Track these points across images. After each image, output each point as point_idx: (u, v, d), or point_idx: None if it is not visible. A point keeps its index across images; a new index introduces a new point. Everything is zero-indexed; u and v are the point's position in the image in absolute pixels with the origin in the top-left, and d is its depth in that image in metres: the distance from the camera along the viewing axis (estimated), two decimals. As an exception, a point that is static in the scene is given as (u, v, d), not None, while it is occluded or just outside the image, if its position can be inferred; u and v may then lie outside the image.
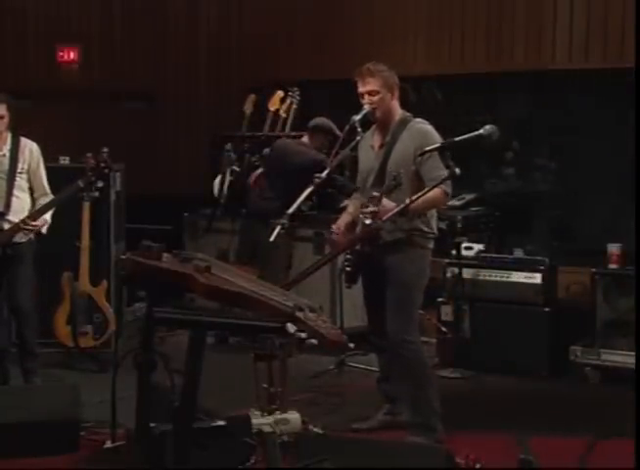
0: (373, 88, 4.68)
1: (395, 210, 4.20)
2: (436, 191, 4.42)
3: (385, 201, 4.43)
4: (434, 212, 4.80)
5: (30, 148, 5.60)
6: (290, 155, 6.80)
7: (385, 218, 4.21)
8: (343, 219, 4.88)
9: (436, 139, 4.52)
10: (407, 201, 4.27)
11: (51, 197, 5.59)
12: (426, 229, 4.71)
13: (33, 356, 5.64)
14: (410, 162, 4.56)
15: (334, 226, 4.86)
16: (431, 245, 4.78)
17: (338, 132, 6.87)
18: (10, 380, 5.65)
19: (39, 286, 5.76)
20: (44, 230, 5.52)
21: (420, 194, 4.19)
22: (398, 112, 4.79)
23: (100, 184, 5.93)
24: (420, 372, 4.71)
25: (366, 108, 4.71)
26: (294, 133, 7.37)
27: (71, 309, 6.21)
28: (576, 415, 5.33)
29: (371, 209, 4.43)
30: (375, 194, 4.47)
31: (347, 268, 4.74)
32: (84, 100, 9.83)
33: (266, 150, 7.22)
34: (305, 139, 6.87)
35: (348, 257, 4.73)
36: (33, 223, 5.43)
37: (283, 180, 6.58)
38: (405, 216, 4.47)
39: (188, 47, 10.11)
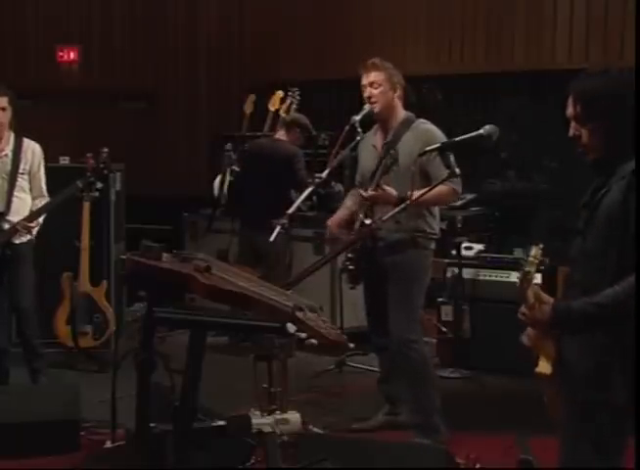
0: (375, 80, 4.69)
1: (396, 209, 4.19)
2: (445, 187, 4.38)
3: (385, 186, 4.44)
4: (436, 214, 4.80)
5: (33, 149, 5.59)
6: (265, 153, 6.75)
7: (385, 218, 4.21)
8: (340, 214, 4.87)
9: (442, 139, 4.52)
10: (407, 201, 4.24)
11: (47, 199, 5.59)
12: (429, 230, 4.71)
13: (37, 356, 5.64)
14: (412, 161, 4.55)
15: (329, 222, 4.85)
16: (433, 246, 4.78)
17: (313, 131, 6.89)
18: (10, 380, 5.65)
19: (39, 286, 5.76)
20: (35, 232, 5.51)
21: (423, 191, 4.18)
22: (401, 112, 4.78)
23: (99, 185, 5.93)
24: (422, 372, 4.71)
25: (366, 108, 4.71)
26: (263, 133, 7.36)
27: (71, 309, 6.20)
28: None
29: (370, 192, 4.45)
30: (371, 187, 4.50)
31: (350, 267, 4.73)
32: (84, 100, 9.85)
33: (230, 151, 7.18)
34: (280, 135, 6.82)
35: (350, 256, 4.72)
36: (29, 225, 5.43)
37: (263, 180, 6.56)
38: (408, 213, 4.47)
39: (188, 47, 10.13)
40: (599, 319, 2.73)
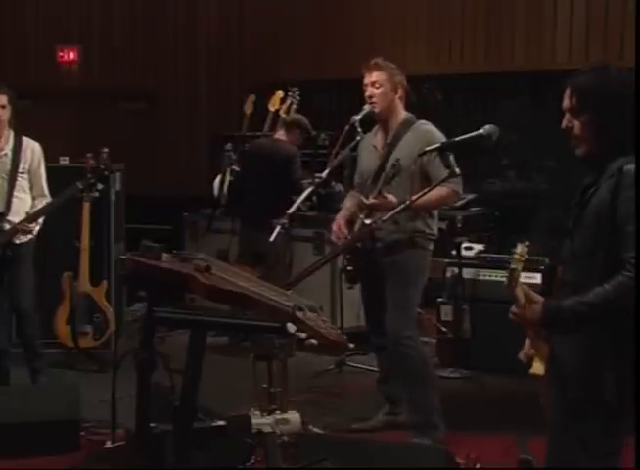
0: (377, 80, 4.69)
1: (397, 209, 4.19)
2: (445, 190, 4.40)
3: (386, 194, 4.44)
4: (435, 215, 4.80)
5: (33, 148, 5.59)
6: (264, 153, 6.76)
7: (384, 219, 4.21)
8: (342, 216, 4.87)
9: (442, 141, 4.52)
10: (408, 201, 4.24)
11: (48, 198, 5.59)
12: (427, 231, 4.72)
13: (38, 356, 5.65)
14: (412, 162, 4.55)
15: (334, 226, 4.84)
16: (431, 246, 4.78)
17: (312, 132, 6.89)
18: (10, 380, 5.65)
19: (39, 286, 5.76)
20: (35, 232, 5.51)
21: (422, 193, 4.18)
22: (402, 112, 4.78)
23: (99, 187, 5.93)
24: (420, 369, 4.71)
25: (366, 107, 4.72)
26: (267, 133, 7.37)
27: (71, 309, 6.20)
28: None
29: (371, 200, 4.44)
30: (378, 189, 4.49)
31: (348, 268, 4.74)
32: (84, 100, 9.84)
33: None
34: (279, 135, 6.83)
35: (349, 256, 4.73)
36: (30, 226, 5.43)
37: (263, 180, 6.56)
38: (407, 215, 4.47)
39: (188, 47, 10.13)
40: (589, 318, 2.73)
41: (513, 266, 2.92)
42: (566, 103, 2.85)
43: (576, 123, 2.82)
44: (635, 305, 2.64)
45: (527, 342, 3.00)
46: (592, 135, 2.81)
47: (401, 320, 4.67)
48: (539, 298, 2.88)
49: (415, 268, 4.71)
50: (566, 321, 2.77)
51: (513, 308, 2.91)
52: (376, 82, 4.70)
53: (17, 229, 5.41)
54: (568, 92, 2.84)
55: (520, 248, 2.95)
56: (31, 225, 5.44)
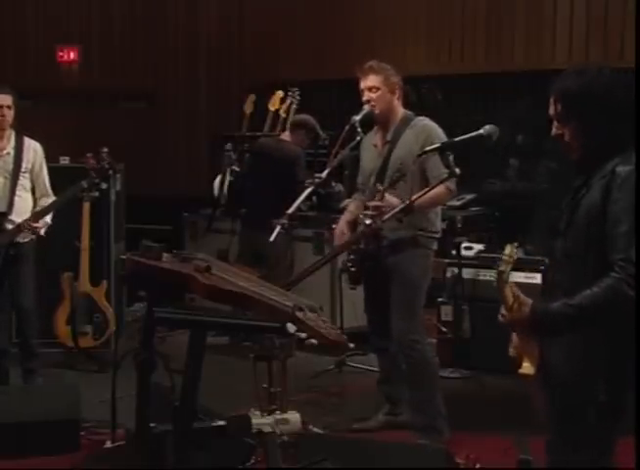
0: (373, 84, 4.68)
1: (396, 209, 4.19)
2: (441, 188, 4.40)
3: (388, 196, 4.43)
4: (439, 212, 4.79)
5: (34, 148, 5.60)
6: (268, 152, 6.76)
7: (385, 218, 4.20)
8: (345, 218, 4.87)
9: (441, 136, 4.54)
10: (407, 201, 4.24)
11: (52, 198, 5.60)
12: (431, 229, 4.71)
13: (34, 356, 5.65)
14: (412, 161, 4.55)
15: (337, 231, 4.83)
16: (434, 246, 4.78)
17: (320, 131, 6.89)
18: (10, 380, 5.65)
19: (39, 286, 5.76)
20: (42, 232, 5.51)
21: (422, 193, 4.18)
22: (400, 111, 4.78)
23: (104, 186, 5.95)
24: (426, 372, 4.71)
25: (366, 108, 4.71)
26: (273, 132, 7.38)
27: (71, 309, 6.20)
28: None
29: (374, 203, 4.43)
30: (379, 187, 4.48)
31: (351, 269, 4.72)
32: (84, 100, 9.84)
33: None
34: (285, 136, 6.83)
35: (352, 257, 4.71)
36: (34, 225, 5.42)
37: (265, 179, 6.56)
38: (409, 215, 4.47)
39: (188, 47, 10.12)
40: (578, 320, 2.71)
41: (501, 268, 2.90)
42: (551, 111, 2.85)
43: (565, 131, 2.82)
44: (635, 305, 2.64)
45: (515, 337, 3.00)
46: (583, 141, 2.80)
47: (406, 323, 4.66)
48: (528, 300, 2.86)
49: (419, 269, 4.70)
50: (554, 324, 2.76)
51: (502, 310, 2.90)
52: (373, 87, 4.68)
53: (21, 228, 5.41)
54: (552, 100, 2.84)
55: (508, 249, 2.93)
56: (35, 224, 5.44)
